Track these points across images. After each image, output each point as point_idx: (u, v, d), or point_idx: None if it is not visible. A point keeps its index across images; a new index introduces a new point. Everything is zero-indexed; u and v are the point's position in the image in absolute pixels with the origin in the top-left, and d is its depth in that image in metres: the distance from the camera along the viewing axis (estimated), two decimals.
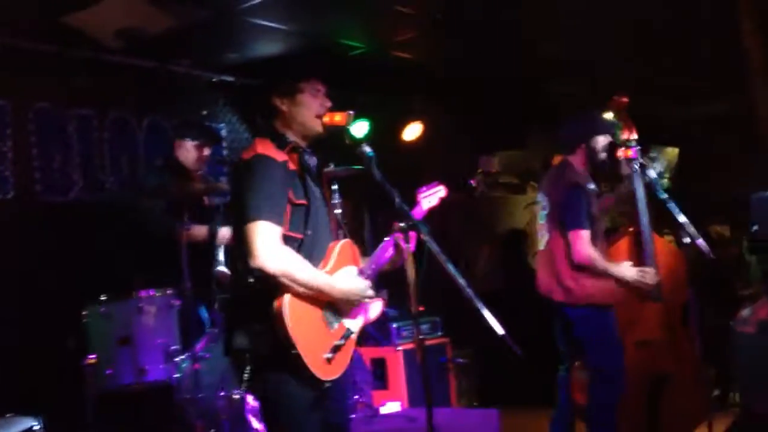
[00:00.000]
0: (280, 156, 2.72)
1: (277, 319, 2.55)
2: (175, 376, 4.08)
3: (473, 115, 7.21)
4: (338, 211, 3.62)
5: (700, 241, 4.03)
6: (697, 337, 4.26)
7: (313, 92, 2.86)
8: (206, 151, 4.67)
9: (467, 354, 6.16)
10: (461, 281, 2.59)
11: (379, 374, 5.55)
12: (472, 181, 7.49)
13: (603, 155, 4.32)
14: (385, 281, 6.33)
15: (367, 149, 2.82)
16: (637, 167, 4.35)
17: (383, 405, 5.17)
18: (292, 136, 2.85)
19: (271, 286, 2.58)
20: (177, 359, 4.08)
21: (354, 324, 2.84)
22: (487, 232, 7.56)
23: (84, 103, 5.08)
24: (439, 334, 5.91)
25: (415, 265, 2.75)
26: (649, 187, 4.28)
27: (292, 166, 2.75)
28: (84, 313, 4.13)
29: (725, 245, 7.63)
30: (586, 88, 6.69)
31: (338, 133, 2.89)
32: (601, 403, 4.19)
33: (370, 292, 2.84)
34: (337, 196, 4.82)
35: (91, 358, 4.05)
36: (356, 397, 4.87)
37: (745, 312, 5.50)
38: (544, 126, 6.89)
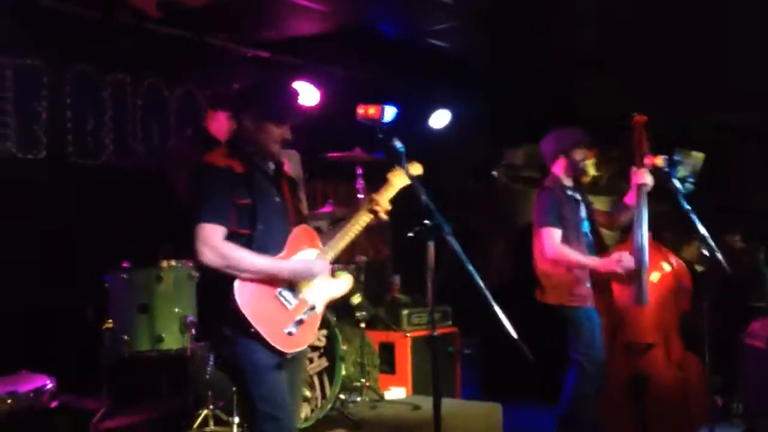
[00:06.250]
0: (225, 162, 2.91)
1: (231, 302, 2.78)
2: (190, 346, 4.15)
3: (501, 106, 7.18)
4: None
5: (719, 255, 4.04)
6: (705, 345, 4.29)
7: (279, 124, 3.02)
8: None
9: (474, 344, 6.21)
10: (480, 282, 2.65)
11: (387, 359, 5.61)
12: (494, 173, 7.49)
13: (582, 165, 4.64)
14: (398, 268, 6.38)
15: (398, 144, 2.88)
16: (664, 173, 4.37)
17: (388, 390, 5.24)
18: (250, 148, 3.00)
19: (222, 275, 2.81)
20: (192, 330, 4.15)
21: (316, 299, 3.01)
22: (506, 225, 7.57)
23: (120, 69, 5.13)
24: (449, 323, 5.96)
25: (436, 261, 2.78)
26: (673, 196, 4.28)
27: (237, 169, 2.91)
28: (105, 278, 4.20)
29: (739, 255, 7.59)
30: (614, 85, 6.64)
31: (370, 124, 2.95)
32: (575, 394, 4.35)
33: (318, 269, 2.99)
34: (359, 180, 4.95)
35: (109, 322, 4.14)
36: (363, 380, 4.93)
37: (757, 326, 5.51)
38: (570, 121, 6.86)
